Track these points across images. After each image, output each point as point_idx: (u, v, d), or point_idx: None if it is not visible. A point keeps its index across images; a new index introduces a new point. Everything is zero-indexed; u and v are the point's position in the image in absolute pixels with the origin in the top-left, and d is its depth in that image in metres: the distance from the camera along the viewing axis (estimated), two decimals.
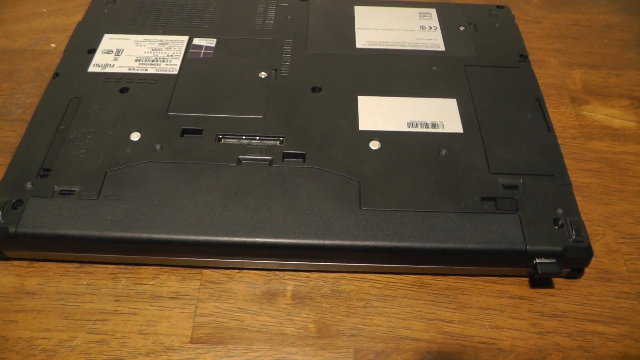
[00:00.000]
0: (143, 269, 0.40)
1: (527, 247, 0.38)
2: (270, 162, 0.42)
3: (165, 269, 0.40)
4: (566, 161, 0.47)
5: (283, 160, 0.42)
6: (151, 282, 0.40)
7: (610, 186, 0.46)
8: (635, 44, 0.58)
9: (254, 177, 0.41)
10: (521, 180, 0.42)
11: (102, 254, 0.39)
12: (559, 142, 0.48)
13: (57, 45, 0.54)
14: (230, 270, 0.41)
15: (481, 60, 0.50)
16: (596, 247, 0.43)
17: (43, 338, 0.37)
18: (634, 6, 0.63)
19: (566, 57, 0.56)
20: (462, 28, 0.53)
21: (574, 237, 0.39)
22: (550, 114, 0.50)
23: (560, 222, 0.40)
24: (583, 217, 0.44)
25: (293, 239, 0.38)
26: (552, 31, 0.59)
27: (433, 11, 0.55)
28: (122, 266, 0.40)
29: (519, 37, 0.53)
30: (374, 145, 0.43)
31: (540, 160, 0.43)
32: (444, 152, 0.43)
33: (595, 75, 0.55)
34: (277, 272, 0.40)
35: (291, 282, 0.40)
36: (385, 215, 0.39)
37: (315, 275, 0.41)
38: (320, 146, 0.43)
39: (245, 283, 0.40)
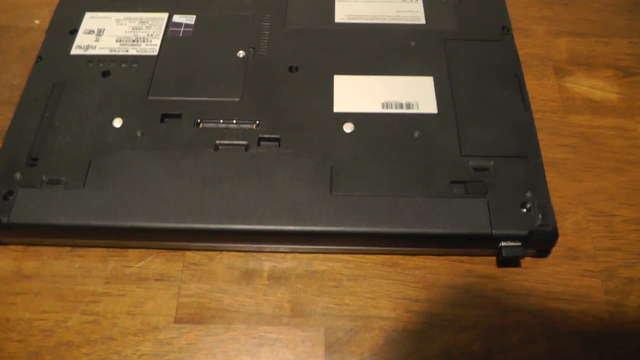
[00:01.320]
0: (130, 251, 0.43)
1: (493, 231, 0.40)
2: (246, 147, 0.43)
3: (151, 251, 0.43)
4: (544, 136, 0.48)
5: (259, 145, 0.43)
6: (138, 265, 0.42)
7: (586, 162, 0.47)
8: (626, 9, 0.57)
9: (231, 162, 0.42)
10: (492, 163, 0.42)
11: (90, 239, 0.42)
12: (539, 117, 0.49)
13: (40, 21, 0.55)
14: (210, 252, 0.43)
15: (462, 34, 0.50)
16: (566, 225, 0.44)
17: (41, 319, 0.40)
18: None
19: (553, 25, 0.55)
20: None
21: (540, 221, 0.40)
22: (532, 86, 0.50)
23: (527, 206, 0.41)
24: (556, 195, 0.45)
25: (266, 225, 0.40)
26: None
27: None
28: (111, 249, 0.43)
29: (504, 7, 0.52)
30: (348, 127, 0.44)
31: (513, 141, 0.44)
32: (416, 134, 0.44)
33: (581, 44, 0.54)
34: (254, 254, 0.43)
35: (268, 262, 0.42)
36: (355, 201, 0.41)
37: (290, 256, 0.43)
38: (295, 130, 0.44)
39: (225, 264, 0.42)
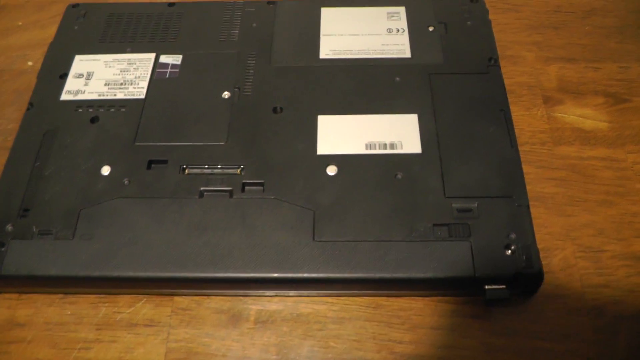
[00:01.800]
0: (120, 297, 0.44)
1: (476, 275, 0.40)
2: (231, 193, 0.44)
3: (141, 296, 0.44)
4: (533, 170, 0.47)
5: (243, 190, 0.44)
6: (128, 310, 0.43)
7: (575, 196, 0.46)
8: (617, 31, 0.55)
9: (215, 210, 0.43)
10: (476, 204, 0.42)
11: (81, 288, 0.43)
12: (528, 149, 0.48)
13: (34, 63, 0.56)
14: (199, 296, 0.44)
15: (447, 67, 0.49)
16: (554, 262, 0.44)
17: None
18: None
19: (543, 51, 0.54)
20: (431, 28, 0.52)
21: (524, 263, 0.40)
22: (521, 117, 0.50)
23: (512, 248, 0.41)
24: (544, 231, 0.45)
25: (249, 273, 0.41)
26: (530, 21, 0.56)
27: (402, 10, 0.54)
28: (101, 295, 0.44)
29: (491, 37, 0.51)
30: (331, 170, 0.44)
31: (498, 180, 0.43)
32: (400, 175, 0.44)
33: (572, 70, 0.53)
34: (241, 298, 0.43)
35: (254, 306, 0.43)
36: (338, 247, 0.41)
37: (276, 299, 0.43)
38: (279, 174, 0.44)
39: (212, 309, 0.43)
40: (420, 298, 0.43)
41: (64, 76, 0.51)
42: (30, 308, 0.44)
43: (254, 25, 0.53)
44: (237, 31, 0.53)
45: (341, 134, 0.46)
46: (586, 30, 0.56)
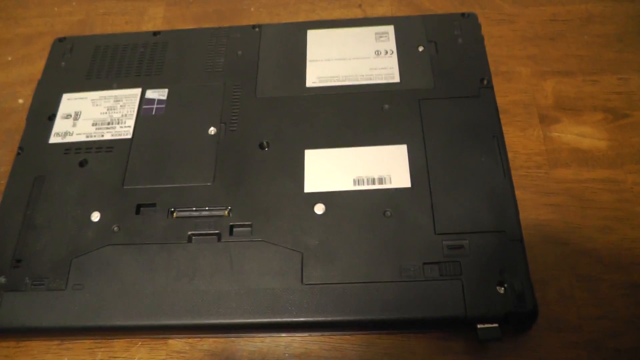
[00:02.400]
0: (116, 342, 0.44)
1: (467, 314, 0.39)
2: (219, 237, 0.43)
3: (136, 340, 0.44)
4: (528, 196, 0.46)
5: (231, 233, 0.44)
6: (123, 355, 0.44)
7: (572, 222, 0.45)
8: (616, 39, 0.53)
9: (204, 255, 0.43)
10: (467, 240, 0.41)
11: (76, 336, 0.44)
12: (523, 174, 0.47)
13: (24, 100, 0.56)
14: (192, 339, 0.44)
15: (438, 91, 0.48)
16: (549, 293, 0.43)
17: None
18: None
19: (539, 65, 0.52)
20: (421, 49, 0.50)
21: (517, 301, 0.39)
22: (516, 138, 0.49)
23: (504, 285, 0.40)
24: (540, 261, 0.44)
25: (239, 319, 0.41)
26: (526, 32, 0.54)
27: (391, 29, 0.52)
28: (97, 340, 0.44)
29: (483, 54, 0.49)
30: (319, 209, 0.44)
31: (490, 214, 0.42)
32: (388, 212, 0.43)
33: (569, 85, 0.51)
34: (233, 339, 0.43)
35: (246, 348, 0.43)
36: (326, 290, 0.41)
37: (268, 339, 0.43)
38: (267, 215, 0.44)
39: (206, 351, 0.43)
40: (413, 335, 0.42)
41: (52, 117, 0.51)
42: (28, 356, 0.44)
43: (240, 52, 0.52)
44: (222, 60, 0.52)
45: (328, 169, 0.45)
46: (584, 40, 0.54)
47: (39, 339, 0.44)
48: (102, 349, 0.44)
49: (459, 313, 0.39)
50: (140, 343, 0.44)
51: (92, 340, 0.44)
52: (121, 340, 0.44)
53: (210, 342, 0.44)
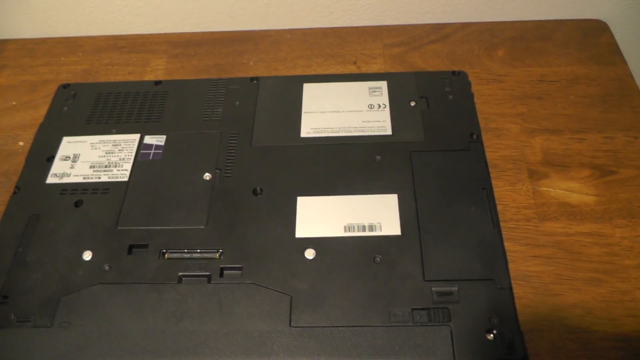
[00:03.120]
0: None
1: None
2: (209, 279, 0.43)
3: None
4: (518, 248, 0.46)
5: (221, 275, 0.44)
6: None
7: (562, 274, 0.45)
8: (600, 100, 0.55)
9: (193, 296, 0.43)
10: (456, 287, 0.41)
11: None
12: (513, 226, 0.48)
13: (24, 143, 0.57)
14: None
15: (429, 144, 0.49)
16: (540, 344, 0.42)
17: None
18: (603, 54, 0.59)
19: (527, 122, 0.54)
20: (412, 103, 0.52)
21: (506, 349, 0.39)
22: (506, 192, 0.49)
23: (494, 332, 0.40)
24: (530, 312, 0.44)
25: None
26: (514, 91, 0.56)
27: (384, 84, 0.54)
28: None
29: (473, 110, 0.51)
30: (309, 254, 0.44)
31: (479, 263, 0.43)
32: (378, 258, 0.43)
33: (556, 142, 0.52)
34: None
35: None
36: (314, 333, 0.40)
37: None
38: (257, 258, 0.44)
39: None
40: None
41: (51, 159, 0.52)
42: None
43: (237, 103, 0.54)
44: (220, 109, 0.54)
45: (320, 216, 0.46)
46: (570, 100, 0.56)
47: None
48: None
49: (448, 359, 0.39)
50: None
51: None
52: None
53: None
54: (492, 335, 0.40)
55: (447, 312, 0.41)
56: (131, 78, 0.62)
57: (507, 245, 0.45)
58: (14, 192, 0.50)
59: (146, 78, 0.62)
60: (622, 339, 0.42)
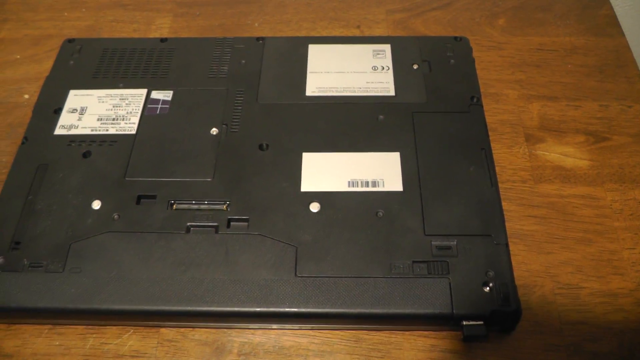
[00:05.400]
0: (108, 328, 0.45)
1: (454, 312, 0.41)
2: (216, 229, 0.45)
3: (128, 327, 0.45)
4: (514, 207, 0.48)
5: (228, 226, 0.45)
6: (115, 342, 0.44)
7: (554, 233, 0.47)
8: (597, 70, 0.57)
9: (201, 245, 0.44)
10: (455, 242, 0.43)
11: (70, 319, 0.44)
12: (509, 187, 0.50)
13: (29, 96, 0.57)
14: (184, 328, 0.45)
15: (430, 106, 0.51)
16: (532, 299, 0.45)
17: None
18: (601, 25, 0.61)
19: (525, 89, 0.56)
20: (415, 66, 0.53)
21: (501, 301, 0.41)
22: (503, 154, 0.51)
23: (490, 285, 0.42)
24: (523, 268, 0.46)
25: (232, 307, 0.42)
26: (514, 59, 0.58)
27: (388, 47, 0.55)
28: (89, 327, 0.45)
29: (474, 75, 0.53)
30: (314, 207, 0.45)
31: (477, 219, 0.44)
32: (380, 213, 0.45)
33: (553, 109, 0.54)
34: (225, 330, 0.44)
35: (237, 339, 0.44)
36: (318, 282, 0.42)
37: (259, 332, 0.44)
38: (264, 210, 0.45)
39: (197, 341, 0.44)
40: (400, 332, 0.44)
41: (58, 111, 0.52)
42: (19, 339, 0.44)
43: (243, 62, 0.55)
44: (226, 67, 0.55)
45: (325, 172, 0.47)
46: (567, 69, 0.57)
47: (32, 322, 0.45)
48: (93, 335, 0.44)
49: (446, 310, 0.41)
50: (132, 331, 0.44)
51: (84, 326, 0.45)
52: (113, 327, 0.45)
53: (201, 332, 0.44)
54: (488, 288, 0.42)
55: (446, 265, 0.43)
56: (136, 35, 0.62)
57: (503, 204, 0.46)
58: (22, 143, 0.50)
59: (151, 36, 0.62)
60: (608, 295, 0.45)
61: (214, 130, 0.50)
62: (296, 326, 0.44)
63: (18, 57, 0.61)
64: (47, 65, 0.57)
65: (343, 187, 0.46)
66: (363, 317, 0.41)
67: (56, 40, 0.60)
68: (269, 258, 0.43)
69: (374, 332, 0.44)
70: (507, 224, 0.45)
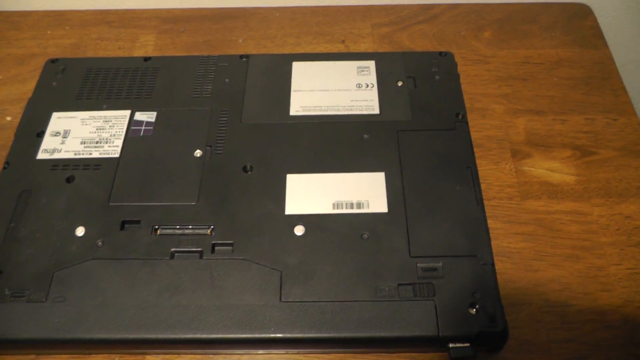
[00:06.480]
0: (93, 357, 0.44)
1: (440, 334, 0.40)
2: (201, 254, 0.44)
3: (113, 355, 0.44)
4: (500, 225, 0.48)
5: (213, 251, 0.45)
6: None
7: (542, 250, 0.47)
8: (583, 82, 0.57)
9: (185, 271, 0.44)
10: (441, 263, 0.43)
11: (54, 350, 0.44)
12: (496, 204, 0.49)
13: (12, 118, 0.57)
14: (170, 354, 0.44)
15: (415, 123, 0.50)
16: (520, 317, 0.44)
17: None
18: (587, 37, 0.61)
19: (512, 103, 0.55)
20: (400, 83, 0.53)
21: (488, 322, 0.41)
22: (489, 171, 0.51)
23: (476, 307, 0.41)
24: (511, 286, 0.46)
25: (217, 334, 0.41)
26: (500, 72, 0.58)
27: (372, 64, 0.55)
28: (74, 356, 0.44)
29: (459, 91, 0.52)
30: (299, 230, 0.45)
31: (463, 239, 0.44)
32: (365, 235, 0.44)
33: (539, 123, 0.54)
34: (211, 356, 0.44)
35: None
36: (303, 307, 0.42)
37: (245, 357, 0.44)
38: (248, 234, 0.45)
39: None
40: (387, 355, 0.44)
41: (41, 134, 0.52)
42: None
43: (227, 80, 0.55)
44: (210, 86, 0.54)
45: (309, 193, 0.47)
46: (553, 82, 0.57)
47: (15, 352, 0.44)
48: None
49: (432, 332, 0.41)
50: (117, 358, 0.44)
51: (68, 355, 0.44)
52: (99, 355, 0.44)
53: (187, 358, 0.44)
54: (474, 309, 0.41)
55: (432, 287, 0.42)
56: (121, 53, 0.62)
57: (490, 222, 0.46)
58: (4, 167, 0.50)
59: (136, 53, 0.62)
60: (596, 312, 0.45)
61: (198, 152, 0.50)
62: (282, 351, 0.44)
63: (1, 77, 0.60)
64: (31, 85, 0.56)
65: (328, 209, 0.46)
66: (349, 341, 0.41)
67: (40, 59, 0.59)
68: (253, 283, 0.43)
69: (360, 355, 0.44)
70: (494, 242, 0.45)
